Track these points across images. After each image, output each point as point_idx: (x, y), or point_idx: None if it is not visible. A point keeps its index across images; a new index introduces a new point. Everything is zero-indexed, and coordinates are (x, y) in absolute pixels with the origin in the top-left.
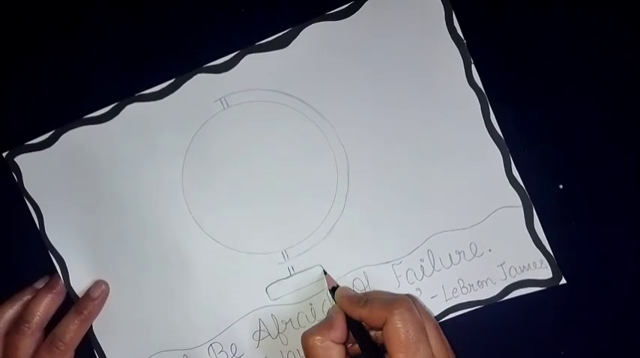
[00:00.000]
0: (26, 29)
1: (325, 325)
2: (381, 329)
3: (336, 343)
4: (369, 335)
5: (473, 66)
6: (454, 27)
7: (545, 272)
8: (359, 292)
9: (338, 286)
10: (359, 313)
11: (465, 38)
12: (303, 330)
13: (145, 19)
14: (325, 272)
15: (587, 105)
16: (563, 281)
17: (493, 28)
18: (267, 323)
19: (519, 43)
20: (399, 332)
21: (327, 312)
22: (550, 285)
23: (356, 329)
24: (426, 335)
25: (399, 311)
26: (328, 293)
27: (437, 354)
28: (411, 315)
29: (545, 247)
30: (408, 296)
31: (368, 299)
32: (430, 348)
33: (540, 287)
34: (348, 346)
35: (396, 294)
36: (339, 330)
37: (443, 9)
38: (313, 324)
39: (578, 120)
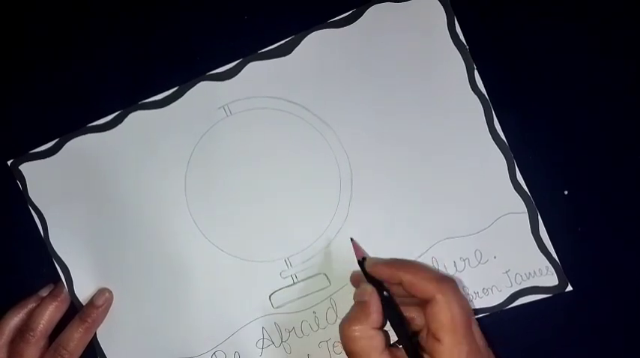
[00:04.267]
0: (29, 38)
1: (361, 311)
2: (416, 301)
3: (378, 329)
4: (402, 313)
5: (476, 71)
6: (456, 33)
7: (551, 279)
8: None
9: (367, 257)
10: (401, 276)
11: (467, 44)
12: (306, 339)
13: (148, 27)
14: (352, 240)
15: (592, 110)
16: (570, 288)
17: (496, 33)
18: (270, 331)
19: (522, 48)
20: (450, 312)
21: (355, 294)
22: (556, 292)
23: (388, 308)
24: (474, 320)
25: (450, 290)
26: (359, 266)
27: (479, 341)
28: (461, 297)
29: (550, 254)
30: None
31: (412, 265)
32: (477, 339)
33: (546, 294)
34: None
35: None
36: (377, 313)
37: (445, 15)
38: (317, 333)
39: (583, 125)
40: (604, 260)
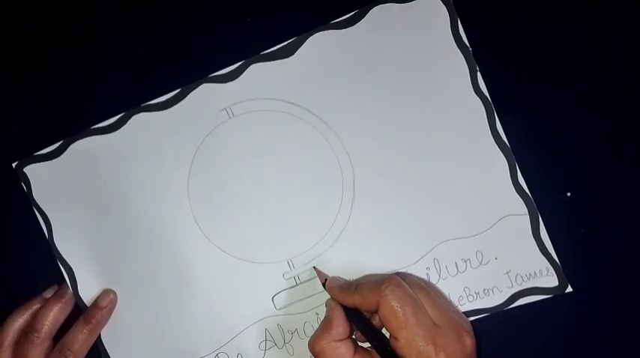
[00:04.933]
0: (34, 41)
1: (326, 325)
2: (377, 312)
3: (342, 340)
4: (369, 321)
5: (479, 73)
6: (460, 34)
7: (551, 280)
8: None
9: (327, 279)
10: (352, 300)
11: (470, 46)
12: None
13: (150, 30)
14: (315, 268)
15: (595, 112)
16: (569, 289)
17: (499, 35)
18: (273, 332)
19: (525, 50)
20: (394, 310)
21: (326, 308)
22: (556, 293)
23: (354, 317)
24: (422, 306)
25: (389, 290)
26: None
27: (438, 322)
28: (402, 291)
29: (551, 255)
30: (397, 274)
31: (357, 284)
32: (429, 317)
33: (546, 295)
34: (354, 335)
35: (385, 274)
36: (340, 326)
37: (448, 16)
38: None
39: (583, 126)
40: (605, 261)
